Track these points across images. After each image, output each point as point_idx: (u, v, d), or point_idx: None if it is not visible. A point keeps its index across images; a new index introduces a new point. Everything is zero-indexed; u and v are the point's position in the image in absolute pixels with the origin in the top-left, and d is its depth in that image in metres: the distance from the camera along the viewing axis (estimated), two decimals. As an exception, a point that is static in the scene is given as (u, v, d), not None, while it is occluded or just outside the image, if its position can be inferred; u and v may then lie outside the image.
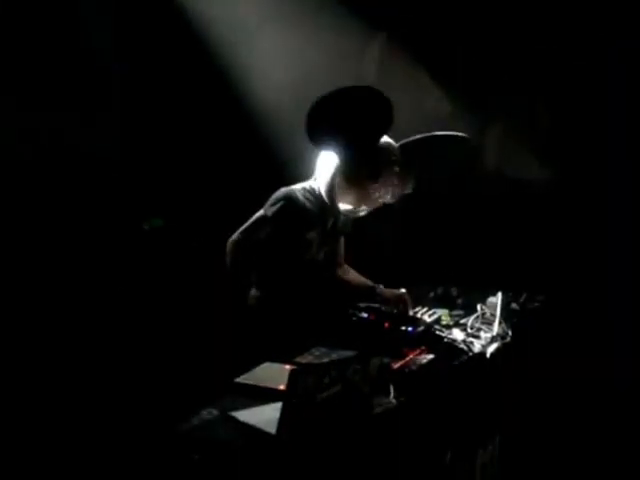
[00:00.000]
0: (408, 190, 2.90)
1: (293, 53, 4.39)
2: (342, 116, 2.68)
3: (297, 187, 2.96)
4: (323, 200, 2.96)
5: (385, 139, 2.87)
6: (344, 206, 2.95)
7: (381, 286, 3.19)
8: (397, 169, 2.84)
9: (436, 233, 4.42)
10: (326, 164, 2.91)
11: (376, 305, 3.12)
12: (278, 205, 2.88)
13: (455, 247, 4.39)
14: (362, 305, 3.15)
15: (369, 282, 3.26)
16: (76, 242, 4.26)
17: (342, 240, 3.23)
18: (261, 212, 2.91)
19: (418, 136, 2.98)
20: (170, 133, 4.62)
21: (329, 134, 2.74)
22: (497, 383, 2.90)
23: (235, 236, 2.89)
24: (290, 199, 2.89)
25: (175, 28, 4.49)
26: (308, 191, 2.95)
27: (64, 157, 4.21)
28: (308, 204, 2.92)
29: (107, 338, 4.12)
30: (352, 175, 2.83)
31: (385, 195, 2.86)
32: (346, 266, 3.33)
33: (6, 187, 3.93)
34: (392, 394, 2.33)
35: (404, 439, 2.25)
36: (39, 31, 4.03)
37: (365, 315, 2.99)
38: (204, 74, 4.58)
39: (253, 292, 3.04)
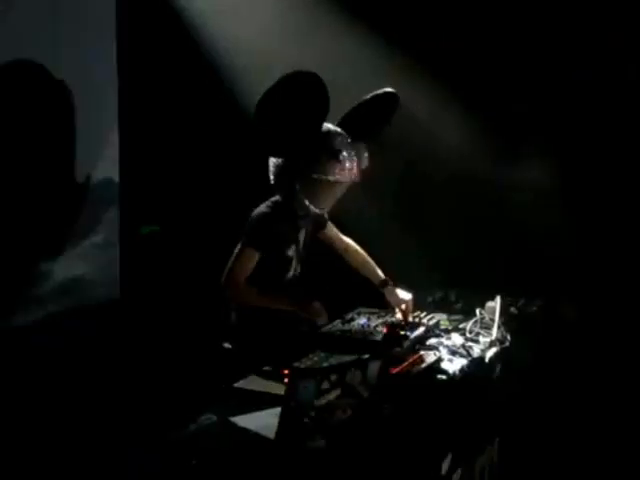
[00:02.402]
0: (364, 164, 2.89)
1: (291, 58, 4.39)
2: (282, 112, 2.67)
3: (267, 207, 2.93)
4: (293, 213, 2.94)
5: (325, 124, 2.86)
6: (313, 209, 2.93)
7: (391, 284, 3.18)
8: (347, 147, 2.82)
9: (436, 236, 4.41)
10: (282, 177, 2.87)
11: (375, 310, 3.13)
12: (256, 230, 2.87)
13: (456, 251, 4.39)
14: (361, 310, 3.16)
15: (381, 275, 3.23)
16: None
17: (329, 227, 3.21)
18: (240, 244, 2.87)
19: (350, 108, 2.98)
20: (168, 139, 4.63)
21: (276, 135, 2.74)
22: (496, 387, 2.90)
23: (227, 277, 2.84)
24: (265, 221, 2.89)
25: (172, 35, 4.51)
26: (278, 208, 2.92)
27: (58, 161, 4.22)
28: (282, 221, 2.91)
29: (105, 344, 4.12)
30: (310, 169, 2.79)
31: (346, 177, 2.83)
32: (355, 250, 3.27)
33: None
34: (391, 399, 2.32)
35: (403, 443, 2.25)
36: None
37: (363, 321, 2.98)
38: (201, 80, 4.59)
39: (234, 317, 3.04)
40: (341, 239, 3.28)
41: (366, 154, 2.91)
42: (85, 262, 4.35)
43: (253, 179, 3.11)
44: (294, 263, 3.03)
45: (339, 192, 2.92)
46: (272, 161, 2.89)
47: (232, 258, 2.87)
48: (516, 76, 4.20)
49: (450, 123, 4.32)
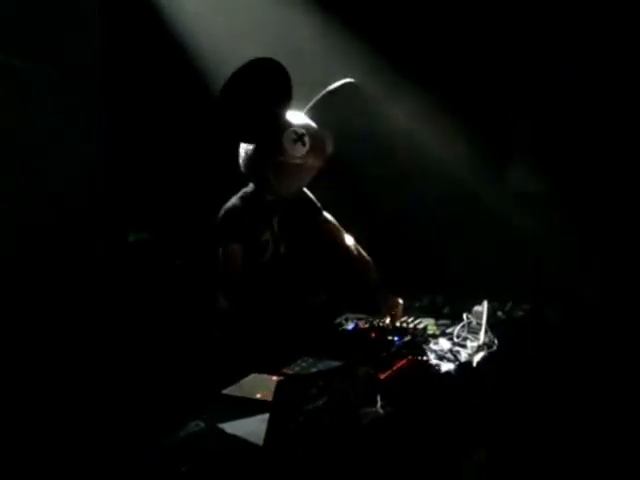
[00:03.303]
0: (330, 150, 2.98)
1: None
2: (246, 96, 2.77)
3: (235, 198, 3.03)
4: (263, 199, 3.02)
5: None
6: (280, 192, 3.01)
7: (385, 289, 3.18)
8: (311, 131, 2.91)
9: (423, 241, 4.43)
10: (251, 163, 2.97)
11: (362, 315, 3.14)
12: (230, 225, 2.96)
13: (441, 255, 4.40)
14: (349, 315, 3.17)
15: (376, 278, 3.22)
16: (61, 254, 4.25)
17: (326, 218, 3.23)
18: (220, 246, 2.94)
19: (317, 98, 3.07)
20: (157, 145, 4.62)
21: (241, 120, 2.82)
22: (483, 392, 2.91)
23: (224, 282, 2.92)
24: (234, 213, 2.97)
25: (155, 34, 4.50)
26: (246, 197, 3.02)
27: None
28: (250, 208, 2.99)
29: (93, 350, 4.11)
30: (276, 153, 2.88)
31: (310, 159, 2.92)
32: (355, 249, 3.27)
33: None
34: (379, 404, 2.33)
35: (390, 449, 2.26)
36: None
37: (351, 326, 2.99)
38: (192, 85, 4.58)
39: (222, 302, 3.03)
40: (342, 236, 3.29)
41: (331, 139, 3.00)
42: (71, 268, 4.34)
43: (239, 184, 3.13)
44: (270, 247, 3.06)
45: (305, 175, 3.01)
46: (242, 151, 2.98)
47: (219, 264, 2.91)
48: (507, 76, 4.24)
49: (438, 129, 4.34)
